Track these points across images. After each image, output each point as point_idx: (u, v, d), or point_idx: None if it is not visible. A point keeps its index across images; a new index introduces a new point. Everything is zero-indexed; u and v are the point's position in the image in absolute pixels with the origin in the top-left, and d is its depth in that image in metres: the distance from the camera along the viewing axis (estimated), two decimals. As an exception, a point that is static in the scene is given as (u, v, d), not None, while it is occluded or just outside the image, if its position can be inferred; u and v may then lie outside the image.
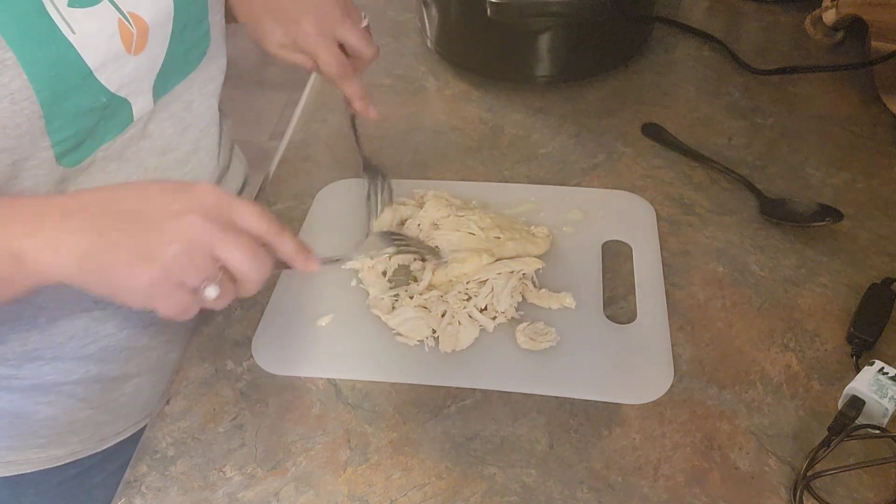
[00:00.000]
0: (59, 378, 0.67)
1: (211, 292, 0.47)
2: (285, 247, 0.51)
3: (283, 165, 0.85)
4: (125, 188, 0.49)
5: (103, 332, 0.67)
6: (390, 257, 0.70)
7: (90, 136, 0.58)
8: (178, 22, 0.60)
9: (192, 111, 0.67)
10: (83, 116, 0.56)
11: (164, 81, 0.62)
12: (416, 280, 0.69)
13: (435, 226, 0.71)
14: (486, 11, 0.84)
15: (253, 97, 2.56)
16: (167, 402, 0.63)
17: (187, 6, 0.60)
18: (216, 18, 0.66)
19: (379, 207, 0.73)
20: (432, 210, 0.72)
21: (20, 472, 0.70)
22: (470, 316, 0.65)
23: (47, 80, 0.51)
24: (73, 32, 0.52)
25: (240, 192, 0.81)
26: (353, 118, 0.74)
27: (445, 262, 0.67)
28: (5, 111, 0.50)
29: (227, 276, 0.48)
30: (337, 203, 0.79)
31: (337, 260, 0.62)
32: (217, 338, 0.67)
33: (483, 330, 0.65)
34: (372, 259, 0.69)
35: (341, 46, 0.69)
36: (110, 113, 0.58)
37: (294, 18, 0.68)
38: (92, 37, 0.53)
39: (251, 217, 0.49)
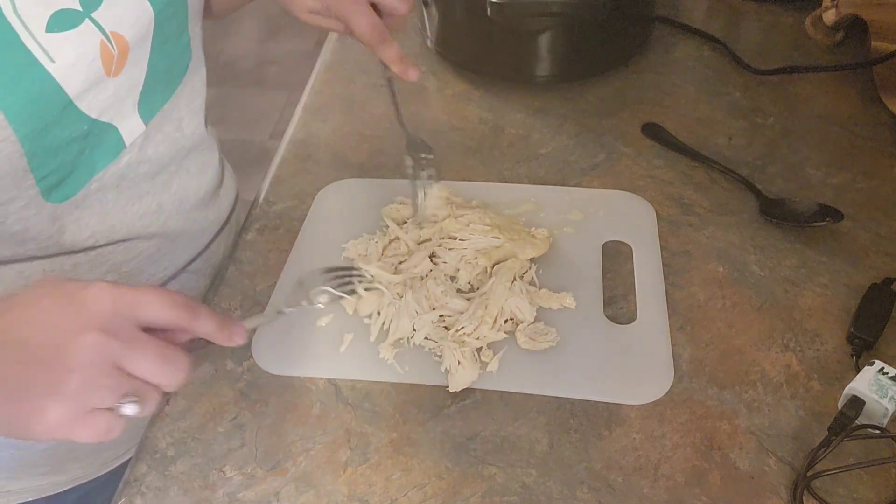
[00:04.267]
0: None
1: (129, 410, 0.44)
2: (205, 328, 0.47)
3: (283, 165, 0.85)
4: (12, 312, 0.44)
5: None
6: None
7: (75, 167, 0.55)
8: (157, 38, 0.57)
9: (182, 130, 0.66)
10: (65, 148, 0.53)
11: (151, 101, 0.59)
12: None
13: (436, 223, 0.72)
14: (486, 11, 0.84)
15: (253, 97, 2.56)
16: (167, 402, 0.63)
17: (167, 20, 0.58)
18: (195, 30, 0.64)
19: (425, 188, 0.69)
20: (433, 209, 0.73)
21: (21, 501, 0.69)
22: (474, 355, 0.63)
23: (26, 115, 0.49)
24: (53, 62, 0.49)
25: (231, 210, 0.80)
26: (390, 82, 0.68)
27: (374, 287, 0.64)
28: None
29: (144, 383, 0.44)
30: (337, 203, 0.79)
31: (262, 323, 0.55)
32: (217, 338, 0.67)
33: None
34: (309, 305, 0.61)
35: (374, 7, 0.65)
36: (95, 141, 0.56)
37: None
38: (73, 64, 0.51)
39: (157, 310, 0.45)
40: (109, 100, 0.55)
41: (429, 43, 0.98)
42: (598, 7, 0.83)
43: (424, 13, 0.96)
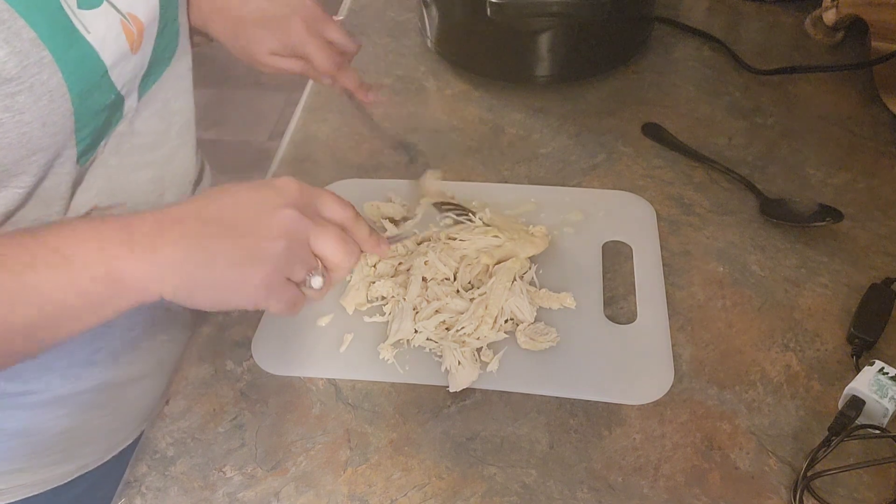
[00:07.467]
0: (72, 388, 0.66)
1: (317, 282, 0.49)
2: (361, 232, 0.52)
3: (283, 165, 0.85)
4: (211, 196, 0.49)
5: (110, 336, 0.67)
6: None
7: (101, 135, 0.59)
8: (161, 21, 0.61)
9: (170, 108, 0.68)
10: (98, 115, 0.57)
11: (147, 79, 0.63)
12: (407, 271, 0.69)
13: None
14: (486, 11, 0.84)
15: (252, 98, 2.56)
16: (167, 402, 0.63)
17: (167, 5, 0.62)
18: (183, 19, 0.67)
19: (421, 180, 0.73)
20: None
21: (31, 494, 0.69)
22: (475, 355, 0.63)
23: (76, 78, 0.52)
24: (89, 32, 0.53)
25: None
26: (360, 105, 0.76)
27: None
28: (45, 108, 0.50)
29: (323, 265, 0.50)
30: (337, 203, 0.79)
31: (400, 237, 0.66)
32: (217, 338, 0.67)
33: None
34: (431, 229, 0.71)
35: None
36: (113, 111, 0.59)
37: (283, 22, 0.69)
38: (103, 36, 0.54)
39: (333, 205, 0.51)
40: (129, 74, 0.58)
41: (429, 43, 0.98)
42: (598, 7, 0.83)
43: (424, 13, 0.96)
